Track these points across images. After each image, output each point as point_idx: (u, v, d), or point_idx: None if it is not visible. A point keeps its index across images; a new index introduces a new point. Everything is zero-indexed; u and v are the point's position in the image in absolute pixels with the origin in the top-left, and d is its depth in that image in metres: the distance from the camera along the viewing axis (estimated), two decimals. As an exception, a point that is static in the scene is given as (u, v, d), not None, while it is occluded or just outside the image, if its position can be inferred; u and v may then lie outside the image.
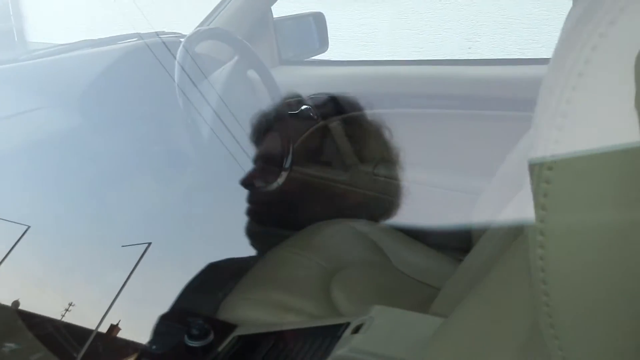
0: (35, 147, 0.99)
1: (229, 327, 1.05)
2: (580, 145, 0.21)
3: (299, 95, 1.18)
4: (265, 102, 1.32)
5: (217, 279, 1.24)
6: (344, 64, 1.67)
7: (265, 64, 1.33)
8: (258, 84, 1.35)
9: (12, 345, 0.95)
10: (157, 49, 1.25)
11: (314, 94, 1.41)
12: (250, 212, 1.27)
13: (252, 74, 1.34)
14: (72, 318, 0.95)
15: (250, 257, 1.27)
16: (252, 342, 1.00)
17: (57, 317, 0.94)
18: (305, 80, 1.56)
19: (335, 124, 1.48)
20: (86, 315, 0.97)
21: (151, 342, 1.03)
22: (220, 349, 1.00)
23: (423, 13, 3.78)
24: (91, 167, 1.04)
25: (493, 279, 0.49)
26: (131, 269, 0.96)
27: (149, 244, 0.97)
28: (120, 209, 1.06)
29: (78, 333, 0.95)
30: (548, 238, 0.26)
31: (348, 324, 0.92)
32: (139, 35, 1.30)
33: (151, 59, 1.18)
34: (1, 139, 0.97)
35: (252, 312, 1.12)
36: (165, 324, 1.06)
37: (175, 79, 1.09)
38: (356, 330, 0.88)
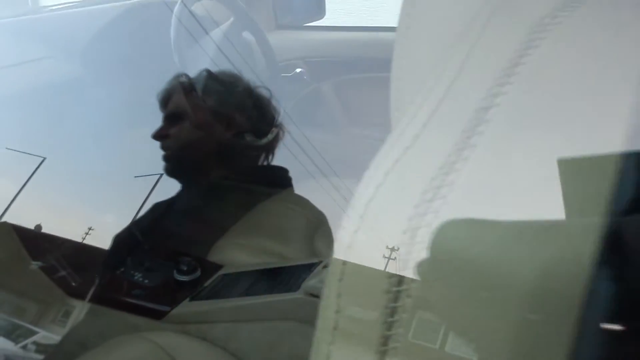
0: (41, 91, 1.08)
1: (216, 266, 1.14)
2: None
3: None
4: (259, 63, 1.39)
5: (209, 227, 1.32)
6: (340, 29, 1.73)
7: (259, 26, 1.40)
8: (253, 45, 1.42)
9: (38, 262, 1.06)
10: (157, 8, 1.33)
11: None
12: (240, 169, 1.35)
13: (247, 35, 1.41)
14: (93, 241, 1.05)
15: (241, 208, 1.34)
16: (235, 279, 1.09)
17: (78, 239, 1.05)
18: (301, 44, 1.63)
19: (327, 86, 1.54)
20: (105, 239, 1.07)
21: (144, 276, 1.12)
22: (206, 284, 1.09)
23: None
24: (92, 112, 1.13)
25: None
26: (144, 199, 1.06)
27: (161, 174, 1.06)
28: (118, 149, 1.16)
29: (99, 254, 1.06)
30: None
31: (321, 261, 1.01)
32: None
33: (151, 16, 1.26)
34: (12, 82, 1.07)
35: (239, 255, 1.20)
36: (158, 261, 1.15)
37: (172, 35, 1.16)
38: (327, 266, 0.97)
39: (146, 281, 1.11)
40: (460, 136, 0.18)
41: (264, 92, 1.29)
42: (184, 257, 1.11)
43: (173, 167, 1.26)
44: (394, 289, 0.18)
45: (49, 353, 1.03)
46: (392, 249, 0.18)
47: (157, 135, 1.23)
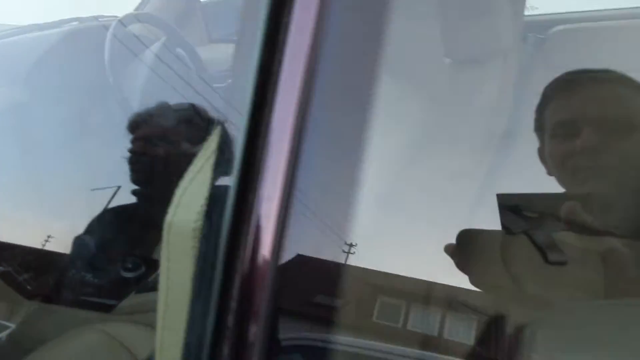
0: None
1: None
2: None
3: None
4: (192, 77, 1.53)
5: (154, 228, 1.45)
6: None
7: (189, 43, 1.53)
8: (187, 59, 1.55)
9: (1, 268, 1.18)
10: (95, 31, 1.45)
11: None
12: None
13: (180, 51, 1.54)
14: (53, 247, 1.18)
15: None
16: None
17: (39, 246, 1.17)
18: (232, 56, 1.76)
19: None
20: (65, 244, 1.19)
21: (94, 275, 1.24)
22: (150, 278, 1.22)
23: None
24: (38, 133, 1.25)
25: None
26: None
27: (119, 187, 1.19)
28: (67, 164, 1.28)
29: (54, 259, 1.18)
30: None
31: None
32: (79, 19, 1.49)
33: (89, 40, 1.38)
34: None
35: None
36: (106, 262, 1.28)
37: (106, 56, 1.28)
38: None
39: (96, 280, 1.24)
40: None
41: (193, 106, 1.43)
42: (129, 257, 1.24)
43: (136, 176, 1.40)
44: (196, 245, 0.33)
45: (9, 348, 1.15)
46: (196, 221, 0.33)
47: (131, 151, 1.39)
